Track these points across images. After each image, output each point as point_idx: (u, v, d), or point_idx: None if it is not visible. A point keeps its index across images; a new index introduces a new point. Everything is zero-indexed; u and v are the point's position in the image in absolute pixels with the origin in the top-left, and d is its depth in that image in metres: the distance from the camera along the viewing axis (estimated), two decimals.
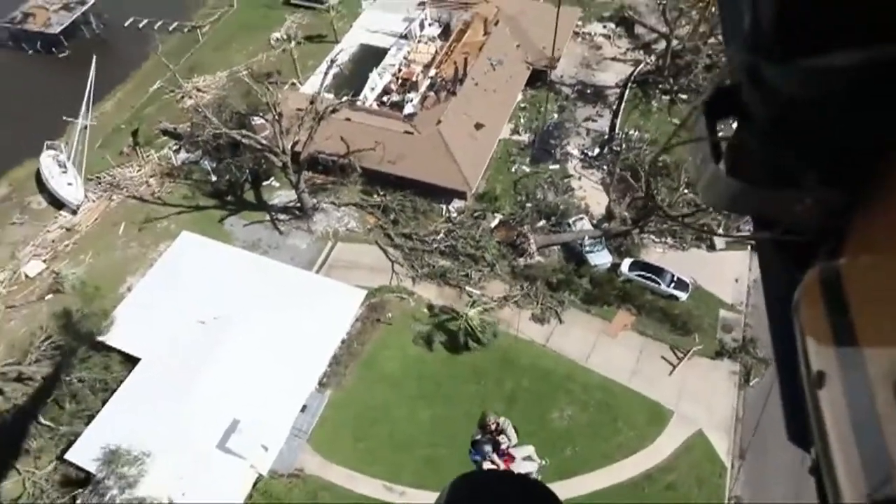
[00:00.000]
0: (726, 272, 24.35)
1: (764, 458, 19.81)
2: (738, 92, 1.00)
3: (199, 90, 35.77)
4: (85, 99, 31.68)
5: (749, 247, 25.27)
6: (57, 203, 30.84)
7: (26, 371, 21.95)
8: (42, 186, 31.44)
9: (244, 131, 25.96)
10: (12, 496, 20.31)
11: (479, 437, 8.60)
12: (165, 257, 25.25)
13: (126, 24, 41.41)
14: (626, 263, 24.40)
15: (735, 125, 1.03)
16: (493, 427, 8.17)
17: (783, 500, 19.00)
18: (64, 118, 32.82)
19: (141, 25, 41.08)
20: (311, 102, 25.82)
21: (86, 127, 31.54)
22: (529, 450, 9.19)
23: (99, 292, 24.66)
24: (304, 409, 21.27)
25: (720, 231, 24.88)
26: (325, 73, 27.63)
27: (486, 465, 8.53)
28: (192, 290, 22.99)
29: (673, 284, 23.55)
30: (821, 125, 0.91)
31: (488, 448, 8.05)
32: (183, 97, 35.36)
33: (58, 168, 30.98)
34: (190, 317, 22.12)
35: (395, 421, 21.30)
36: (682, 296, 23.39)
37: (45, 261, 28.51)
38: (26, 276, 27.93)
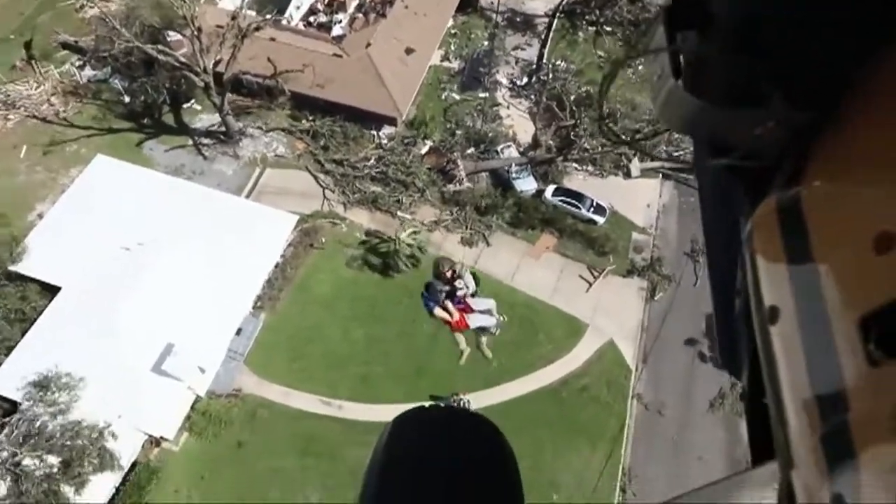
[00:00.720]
0: (639, 198, 26.29)
1: (662, 361, 22.45)
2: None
3: None
4: None
5: (661, 175, 27.28)
6: None
7: None
8: None
9: (160, 47, 24.30)
10: None
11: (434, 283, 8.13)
12: (79, 182, 23.89)
13: None
14: (549, 190, 25.74)
15: (696, 37, 0.99)
16: (448, 274, 7.68)
17: (675, 394, 21.84)
18: None
19: None
20: (233, 18, 24.43)
21: None
22: (490, 303, 8.99)
23: (5, 219, 23.09)
24: (239, 332, 21.56)
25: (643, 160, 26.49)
26: None
27: (438, 312, 8.22)
28: (113, 217, 22.10)
29: (592, 209, 25.20)
30: (791, 34, 0.88)
31: (443, 293, 7.62)
32: (83, 6, 32.17)
33: None
34: (113, 243, 21.39)
35: (329, 341, 22.10)
36: (600, 220, 25.15)
37: None
38: None
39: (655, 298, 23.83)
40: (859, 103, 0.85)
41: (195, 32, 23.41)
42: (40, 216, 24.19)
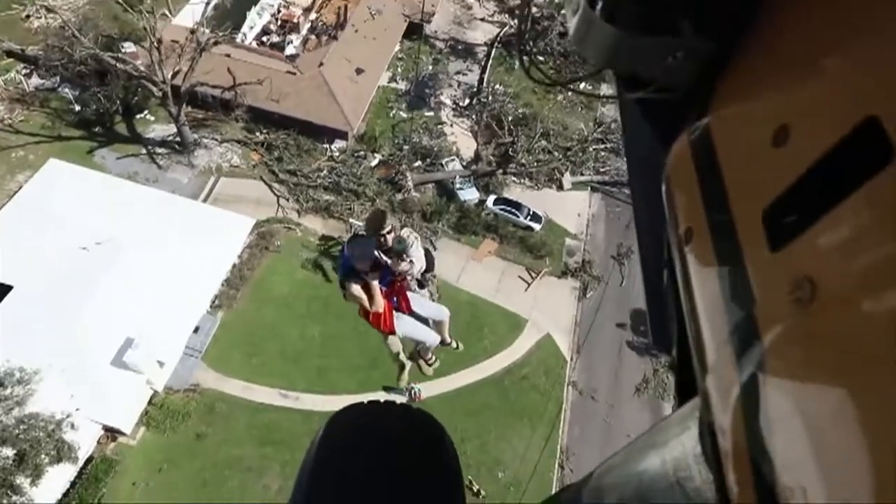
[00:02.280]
0: (571, 208, 29.08)
1: (593, 352, 24.86)
2: None
3: (48, 10, 32.74)
4: None
5: (590, 187, 30.27)
6: None
7: None
8: None
9: (121, 55, 25.09)
10: None
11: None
12: (31, 185, 24.02)
13: None
14: (490, 199, 28.07)
15: None
16: (387, 234, 5.53)
17: (605, 380, 24.23)
18: None
19: None
20: (192, 32, 25.64)
21: None
22: (440, 312, 6.79)
23: None
24: (196, 330, 22.23)
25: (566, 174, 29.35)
26: (206, 4, 27.16)
27: (354, 290, 5.59)
28: (67, 218, 22.41)
29: (529, 217, 27.68)
30: None
31: (369, 259, 5.35)
32: (29, 16, 32.26)
33: None
34: (68, 243, 21.68)
35: (286, 338, 23.11)
36: (537, 227, 27.64)
37: None
38: None
39: (587, 296, 26.38)
40: (758, 29, 0.87)
41: (154, 43, 24.38)
42: None
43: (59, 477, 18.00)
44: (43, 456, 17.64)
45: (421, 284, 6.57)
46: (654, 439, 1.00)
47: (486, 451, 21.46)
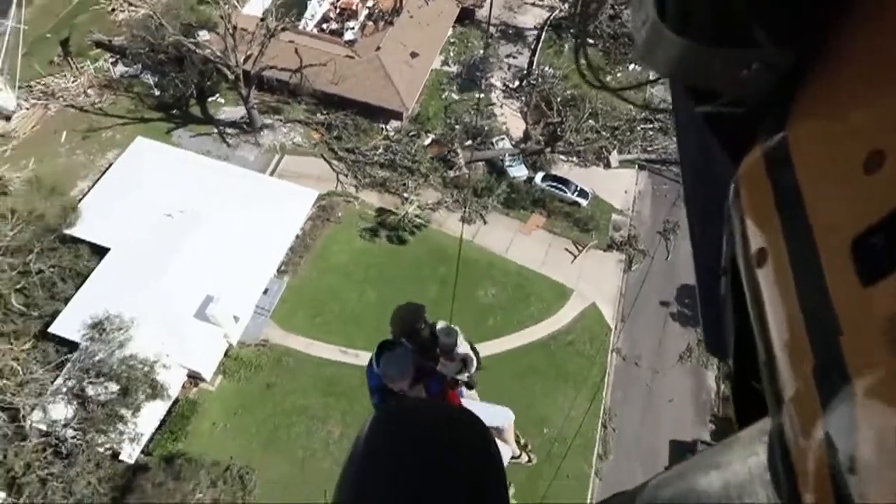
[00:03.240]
0: (618, 185, 29.80)
1: (637, 322, 25.66)
2: None
3: (130, 3, 35.70)
4: None
5: (637, 166, 30.86)
6: None
7: None
8: None
9: (199, 41, 27.38)
10: None
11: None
12: (123, 159, 26.66)
13: None
14: (539, 176, 29.12)
15: None
16: (423, 330, 4.61)
17: (648, 348, 25.03)
18: None
19: None
20: (262, 19, 27.71)
21: (19, 29, 30.88)
22: (505, 414, 5.36)
23: (55, 191, 25.70)
24: (265, 292, 24.35)
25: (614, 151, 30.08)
26: None
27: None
28: (154, 189, 24.89)
29: (576, 193, 28.60)
30: None
31: (409, 367, 4.15)
32: (114, 10, 35.27)
33: None
34: (155, 211, 24.14)
35: (345, 301, 24.96)
36: (584, 202, 28.53)
37: None
38: None
39: (632, 269, 27.16)
40: (840, 37, 0.81)
41: (230, 30, 26.53)
42: (82, 192, 26.92)
43: (153, 412, 20.38)
44: (140, 393, 20.04)
45: (470, 386, 5.14)
46: (715, 459, 0.96)
47: (533, 409, 22.70)
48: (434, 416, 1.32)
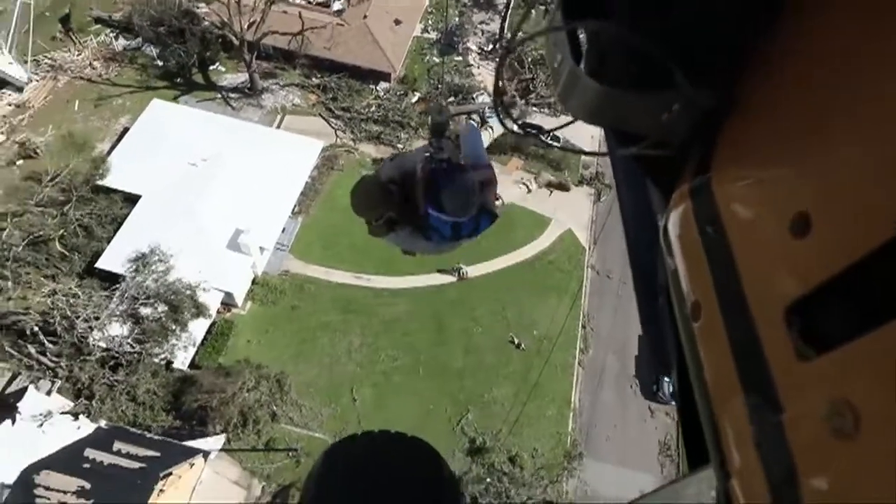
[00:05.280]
0: (585, 130, 33.58)
1: (607, 243, 29.69)
2: None
3: None
4: None
5: None
6: None
7: (34, 211, 25.54)
8: None
9: (208, 10, 30.04)
10: (40, 310, 24.34)
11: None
12: (142, 118, 29.21)
13: None
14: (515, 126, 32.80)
15: (594, 18, 0.93)
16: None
17: (618, 264, 29.10)
18: None
19: None
20: None
21: (28, 5, 32.81)
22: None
23: (85, 146, 28.14)
24: (283, 230, 27.47)
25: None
26: None
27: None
28: (175, 142, 27.59)
29: (549, 138, 32.32)
30: (685, 11, 0.85)
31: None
32: None
33: None
34: (179, 160, 26.91)
35: (354, 235, 28.03)
36: (556, 144, 32.31)
37: (2, 132, 30.79)
38: None
39: (601, 200, 31.21)
40: (759, 80, 0.81)
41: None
42: (103, 153, 29.37)
43: (198, 327, 23.39)
44: (186, 312, 23.04)
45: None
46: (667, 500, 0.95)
47: (524, 315, 26.57)
48: (382, 451, 1.35)
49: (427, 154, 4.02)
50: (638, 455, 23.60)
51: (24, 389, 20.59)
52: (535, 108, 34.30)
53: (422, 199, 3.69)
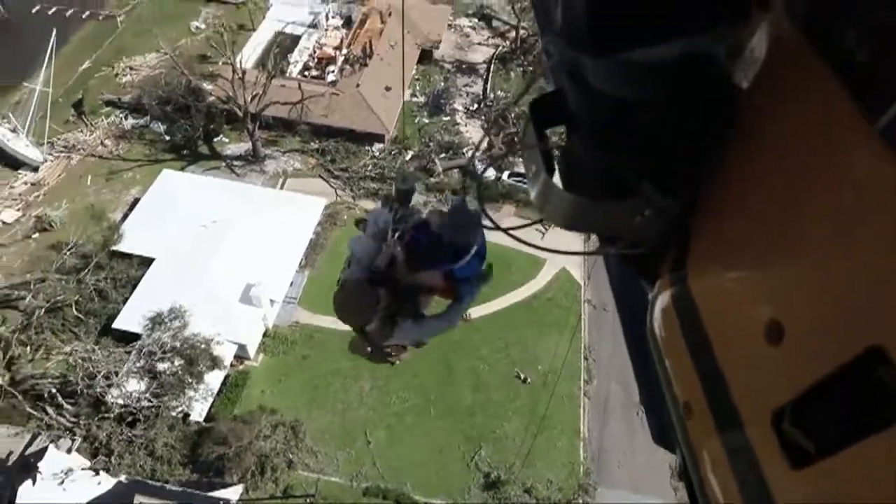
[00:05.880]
0: None
1: (600, 278, 31.03)
2: (562, 97, 0.97)
3: (132, 68, 40.65)
4: (44, 66, 35.25)
5: None
6: (12, 165, 34.35)
7: (50, 278, 26.66)
8: None
9: (214, 87, 32.49)
10: (58, 372, 25.01)
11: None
12: (154, 187, 30.89)
13: (34, 11, 43.68)
14: (505, 174, 34.93)
15: (564, 134, 0.99)
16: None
17: (612, 299, 30.30)
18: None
19: (50, 12, 43.65)
20: (263, 65, 33.16)
21: (47, 92, 35.16)
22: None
23: (101, 216, 29.59)
24: (291, 284, 28.66)
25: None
26: (272, 43, 34.78)
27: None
28: (185, 207, 29.16)
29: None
30: (647, 127, 0.88)
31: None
32: (118, 74, 40.07)
33: (11, 133, 34.49)
34: (191, 224, 28.38)
35: None
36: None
37: (18, 209, 32.30)
38: (3, 223, 31.61)
39: (591, 238, 32.83)
40: (721, 188, 0.84)
41: (239, 75, 31.77)
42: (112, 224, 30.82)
43: (213, 379, 24.08)
44: (201, 366, 23.80)
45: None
46: None
47: (527, 352, 27.49)
48: None
49: (395, 232, 3.57)
50: (650, 480, 23.98)
51: (45, 449, 20.97)
52: (521, 159, 36.46)
53: (425, 270, 3.40)
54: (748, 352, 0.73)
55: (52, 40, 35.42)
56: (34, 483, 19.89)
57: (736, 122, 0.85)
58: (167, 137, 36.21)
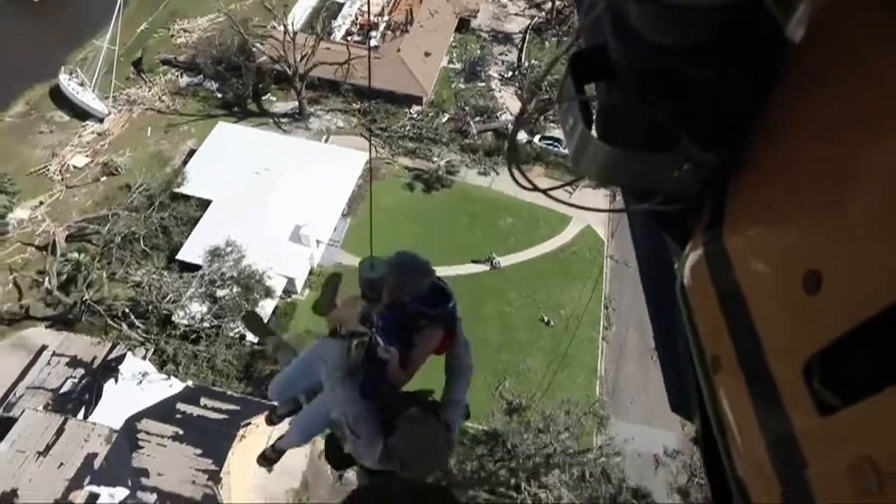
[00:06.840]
0: None
1: (624, 237, 32.80)
2: (604, 50, 0.95)
3: (185, 30, 43.22)
4: (111, 25, 37.96)
5: None
6: (80, 116, 37.29)
7: (122, 214, 29.47)
8: (61, 103, 37.65)
9: (262, 46, 34.83)
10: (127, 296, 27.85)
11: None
12: (211, 137, 33.51)
13: None
14: (536, 137, 36.66)
15: (604, 86, 0.98)
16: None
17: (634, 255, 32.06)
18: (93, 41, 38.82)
19: None
20: (312, 28, 35.28)
21: (113, 49, 37.94)
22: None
23: (164, 160, 32.30)
24: (335, 229, 31.05)
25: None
26: (319, 8, 36.86)
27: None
28: (240, 156, 31.68)
29: (561, 147, 36.12)
30: (691, 77, 0.86)
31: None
32: (173, 36, 42.70)
33: (79, 86, 37.38)
34: (245, 170, 30.89)
35: (397, 232, 31.54)
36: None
37: (87, 155, 35.27)
38: (74, 167, 34.60)
39: (616, 199, 34.51)
40: (764, 142, 0.82)
41: (291, 36, 33.97)
42: (174, 169, 33.57)
43: (266, 306, 26.67)
44: (255, 293, 26.39)
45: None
46: None
47: (552, 298, 29.51)
48: (413, 493, 1.33)
49: (372, 328, 3.36)
50: (660, 415, 25.93)
51: (124, 356, 23.84)
52: (553, 125, 38.14)
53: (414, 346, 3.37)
54: (783, 303, 0.74)
55: (119, 1, 37.92)
56: (116, 382, 22.77)
57: (785, 72, 0.84)
58: (219, 95, 38.73)
